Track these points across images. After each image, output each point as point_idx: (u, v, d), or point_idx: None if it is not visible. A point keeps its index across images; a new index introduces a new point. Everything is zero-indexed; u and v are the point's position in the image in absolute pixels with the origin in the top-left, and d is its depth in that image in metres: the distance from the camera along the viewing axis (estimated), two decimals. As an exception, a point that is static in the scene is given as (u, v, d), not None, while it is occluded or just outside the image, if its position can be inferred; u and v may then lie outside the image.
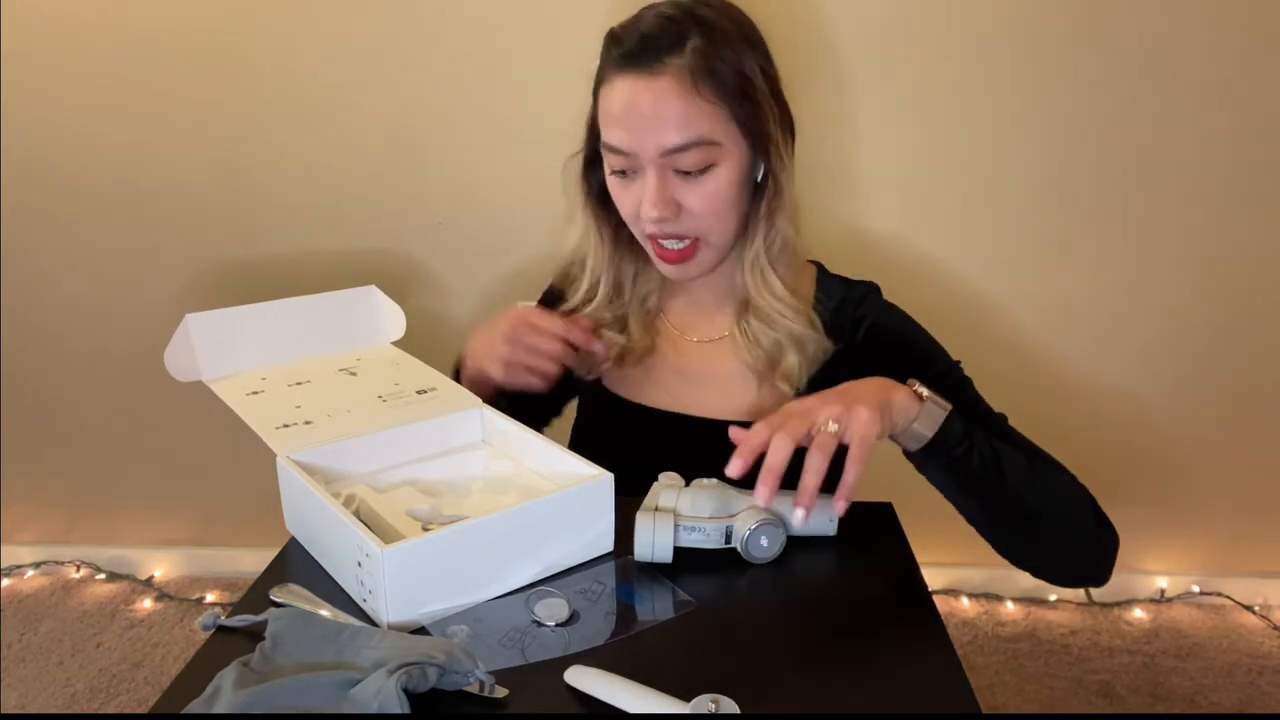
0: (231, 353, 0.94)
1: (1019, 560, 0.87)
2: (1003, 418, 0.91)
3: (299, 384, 0.93)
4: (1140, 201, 1.56)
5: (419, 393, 0.93)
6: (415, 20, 1.51)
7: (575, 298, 0.99)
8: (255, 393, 0.90)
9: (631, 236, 0.94)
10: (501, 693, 0.63)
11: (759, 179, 0.89)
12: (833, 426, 0.73)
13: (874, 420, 0.73)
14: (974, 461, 0.80)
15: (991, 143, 1.53)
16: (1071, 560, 0.87)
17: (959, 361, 0.95)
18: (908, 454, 0.82)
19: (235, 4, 1.51)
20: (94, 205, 1.66)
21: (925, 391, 0.79)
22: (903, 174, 1.56)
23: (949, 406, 0.79)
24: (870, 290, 0.98)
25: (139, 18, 1.53)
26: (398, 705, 0.58)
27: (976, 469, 0.80)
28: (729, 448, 0.84)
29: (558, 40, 1.50)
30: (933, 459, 0.80)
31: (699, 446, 0.84)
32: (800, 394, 0.91)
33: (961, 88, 1.50)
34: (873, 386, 0.78)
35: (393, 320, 1.04)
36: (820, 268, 1.01)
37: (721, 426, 0.85)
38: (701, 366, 0.98)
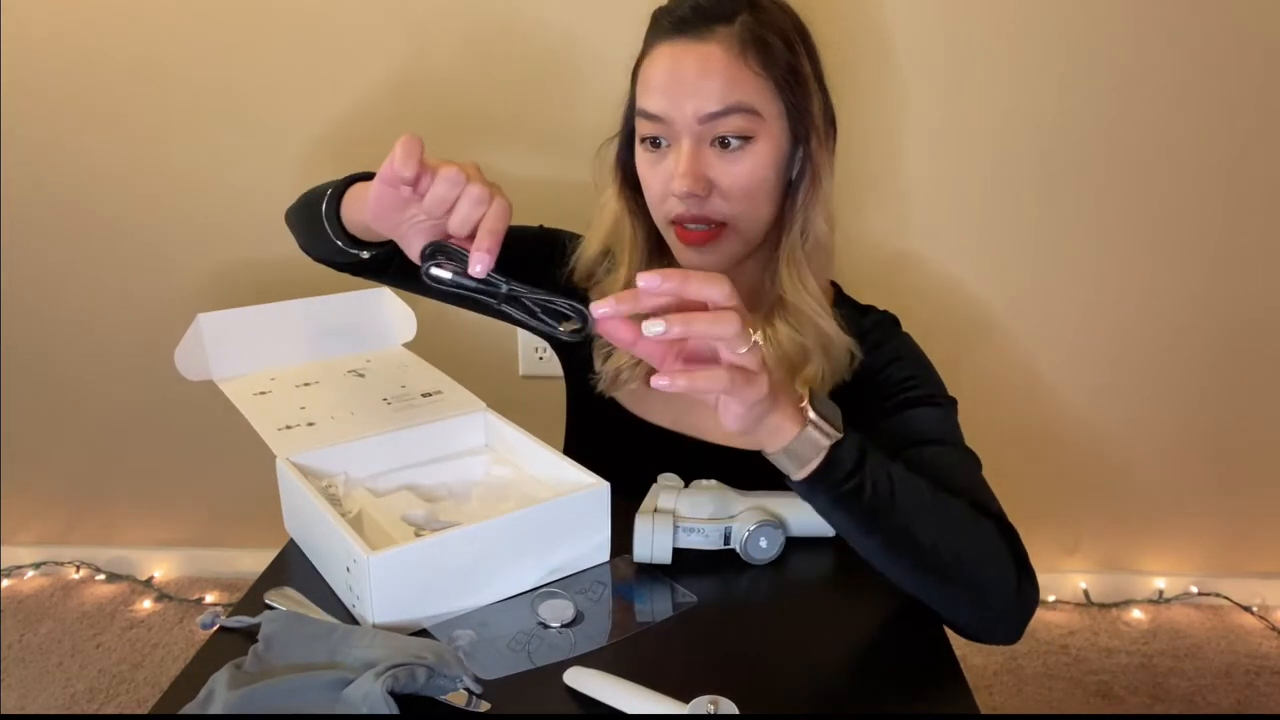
0: (242, 352, 0.93)
1: (940, 612, 0.74)
2: (975, 461, 0.82)
3: (307, 385, 0.92)
4: (1142, 206, 1.56)
5: (424, 396, 0.92)
6: (422, 28, 1.51)
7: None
8: (262, 393, 0.90)
9: (662, 239, 0.89)
10: (484, 707, 0.62)
11: (795, 173, 0.84)
12: (742, 349, 0.58)
13: (752, 409, 0.61)
14: (865, 496, 0.67)
15: (990, 148, 1.54)
16: (975, 620, 0.74)
17: (953, 399, 0.87)
18: (789, 483, 0.68)
19: (248, 5, 1.52)
20: (97, 204, 1.66)
21: (812, 415, 0.65)
22: (899, 181, 1.56)
23: (836, 435, 0.66)
24: (884, 319, 0.93)
25: (152, 13, 1.53)
26: (384, 707, 0.58)
27: (868, 504, 0.67)
28: (728, 472, 0.83)
29: (558, 45, 1.50)
30: (815, 491, 0.67)
31: (698, 469, 0.84)
32: None
33: (956, 91, 1.51)
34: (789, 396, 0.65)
35: (404, 322, 1.04)
36: (838, 289, 0.97)
37: (721, 451, 0.84)
38: None
